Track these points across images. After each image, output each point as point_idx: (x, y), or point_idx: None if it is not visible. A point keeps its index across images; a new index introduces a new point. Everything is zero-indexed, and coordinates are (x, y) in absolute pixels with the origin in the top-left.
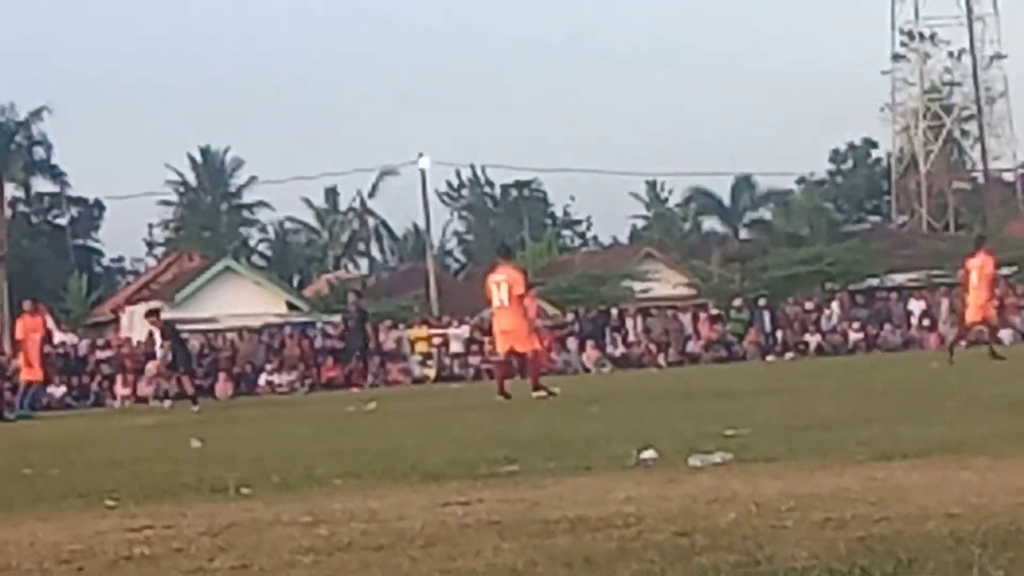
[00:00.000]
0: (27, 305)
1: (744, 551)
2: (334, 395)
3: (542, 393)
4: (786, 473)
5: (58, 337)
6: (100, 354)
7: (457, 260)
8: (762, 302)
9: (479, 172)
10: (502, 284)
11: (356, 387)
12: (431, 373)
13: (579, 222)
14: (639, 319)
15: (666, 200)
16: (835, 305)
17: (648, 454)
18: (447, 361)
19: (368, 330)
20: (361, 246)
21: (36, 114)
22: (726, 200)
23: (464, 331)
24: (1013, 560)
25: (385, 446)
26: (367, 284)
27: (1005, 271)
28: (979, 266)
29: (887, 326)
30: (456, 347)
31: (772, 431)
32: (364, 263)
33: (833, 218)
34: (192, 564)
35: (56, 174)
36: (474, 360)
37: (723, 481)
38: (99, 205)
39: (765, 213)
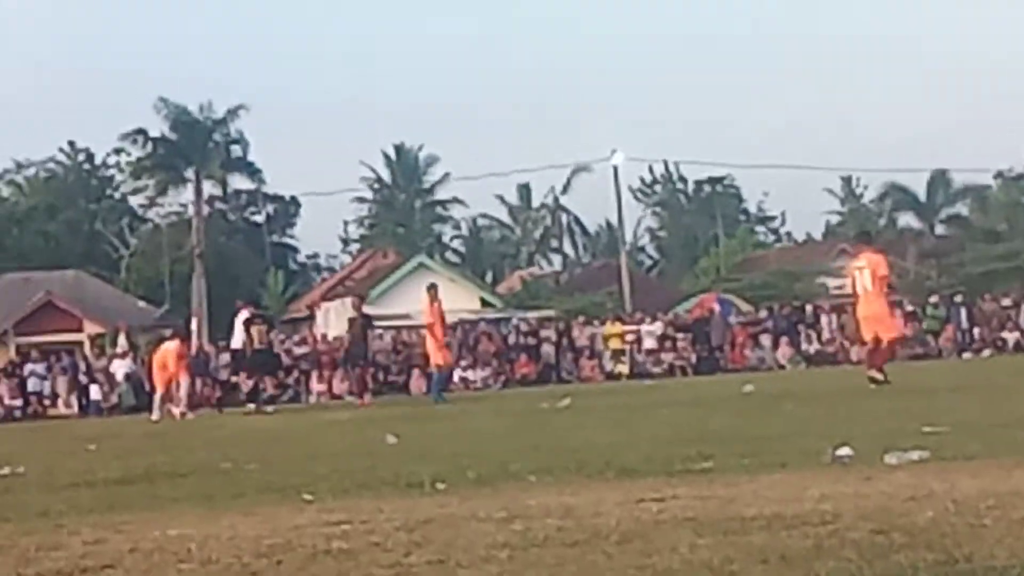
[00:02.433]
0: (431, 291)
1: (942, 549)
2: (528, 392)
3: (879, 377)
4: (985, 471)
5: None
6: (296, 350)
7: (650, 256)
8: (958, 298)
9: (672, 168)
10: (864, 270)
11: (360, 400)
12: (624, 369)
13: (773, 218)
14: (834, 316)
15: (861, 196)
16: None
17: (844, 451)
18: (640, 358)
19: (369, 338)
20: (554, 242)
21: (234, 112)
22: (922, 196)
23: (657, 327)
24: None
25: (579, 442)
26: (560, 280)
27: None
28: None
29: None
30: (649, 343)
31: (970, 429)
32: (557, 259)
33: None
34: (389, 559)
35: (253, 171)
36: (667, 356)
37: (920, 479)
38: (295, 202)
39: (962, 209)
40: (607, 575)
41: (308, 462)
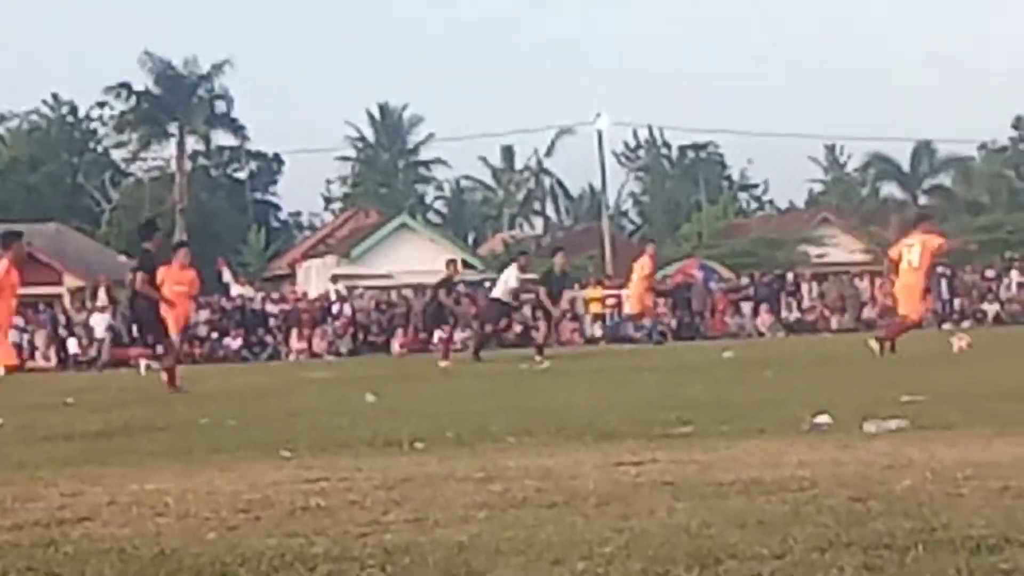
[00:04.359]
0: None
1: (920, 518)
2: (507, 353)
3: (880, 348)
4: (963, 441)
5: (236, 290)
6: (276, 308)
7: (632, 222)
8: (940, 269)
9: (656, 133)
10: (914, 247)
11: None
12: (602, 333)
13: (756, 185)
14: (814, 284)
15: (844, 165)
16: (1014, 274)
17: (822, 419)
18: (618, 323)
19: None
20: (536, 205)
21: (218, 68)
22: (905, 166)
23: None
24: None
25: (558, 405)
26: (542, 244)
27: None
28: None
29: None
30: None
31: (949, 399)
32: (539, 222)
33: (1014, 186)
34: (367, 517)
35: (236, 128)
36: (647, 322)
37: (898, 447)
38: (278, 159)
39: (945, 179)
40: (585, 537)
41: (287, 419)
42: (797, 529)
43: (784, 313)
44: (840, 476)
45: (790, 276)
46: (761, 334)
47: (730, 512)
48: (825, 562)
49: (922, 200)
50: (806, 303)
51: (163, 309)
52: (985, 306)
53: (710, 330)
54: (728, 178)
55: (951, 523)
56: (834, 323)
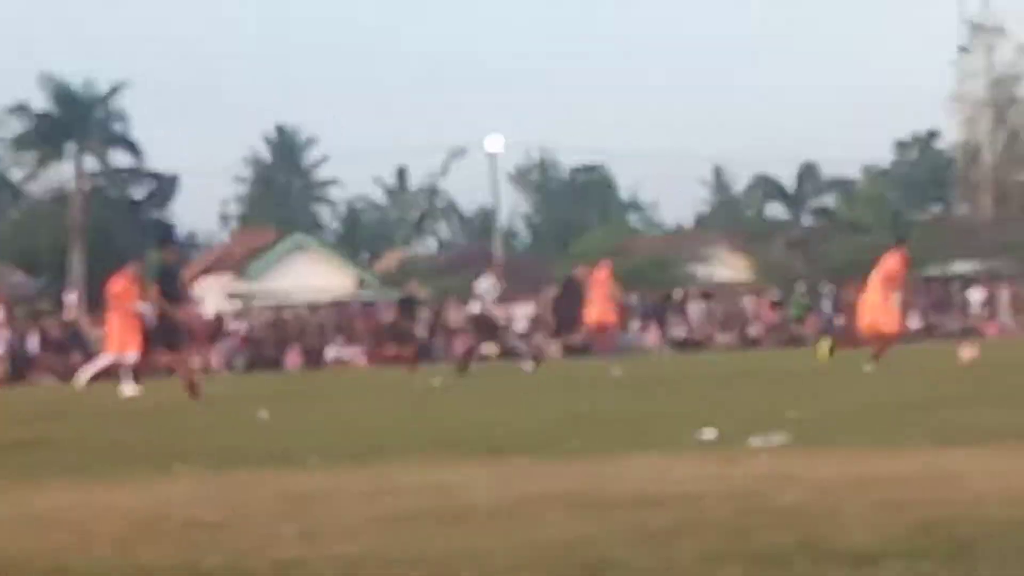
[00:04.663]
0: None
1: (802, 531)
2: (400, 371)
3: (870, 364)
4: (846, 455)
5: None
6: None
7: (523, 242)
8: (824, 288)
9: (548, 155)
10: (880, 268)
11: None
12: (495, 351)
13: (645, 206)
14: (701, 303)
15: (731, 187)
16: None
17: (708, 434)
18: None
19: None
20: (431, 225)
21: (116, 89)
22: (790, 187)
23: (529, 310)
24: None
25: (451, 421)
26: (435, 262)
27: None
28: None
29: (947, 314)
30: (521, 325)
31: (832, 415)
32: (433, 242)
33: (896, 207)
34: (260, 531)
35: (133, 148)
36: (538, 339)
37: (783, 462)
38: (175, 180)
39: (829, 201)
40: (476, 550)
41: (181, 435)
42: (682, 542)
43: (672, 331)
44: (725, 490)
45: (678, 294)
46: (650, 351)
47: (618, 525)
48: (709, 573)
49: (806, 220)
50: (694, 321)
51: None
52: None
53: (599, 348)
54: (618, 199)
55: (833, 536)
56: (720, 340)
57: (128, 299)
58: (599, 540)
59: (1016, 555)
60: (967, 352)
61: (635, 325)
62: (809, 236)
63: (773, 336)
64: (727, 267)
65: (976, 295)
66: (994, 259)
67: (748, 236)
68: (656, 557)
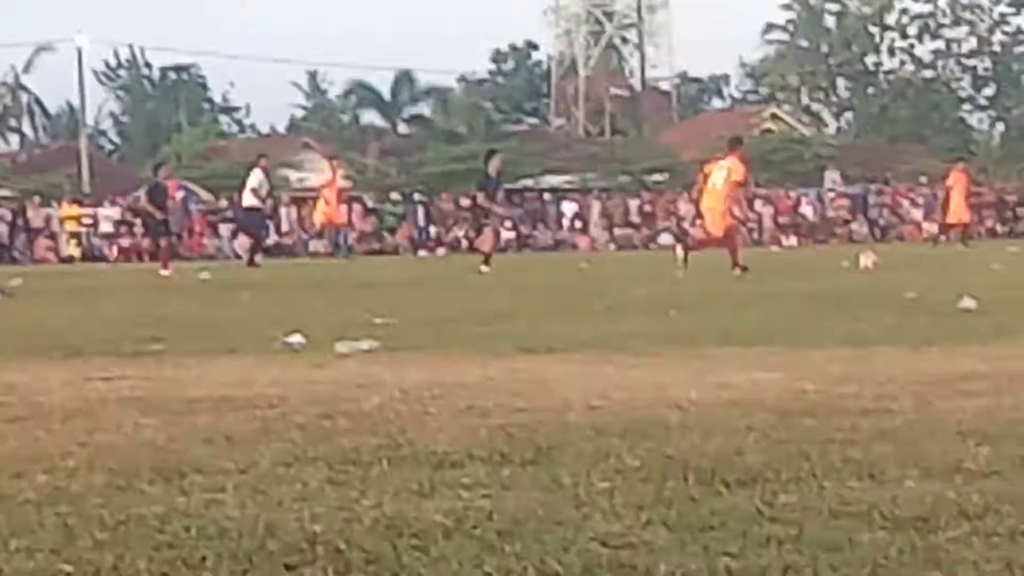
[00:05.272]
0: None
1: (387, 434)
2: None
3: (737, 272)
4: (433, 362)
5: None
6: None
7: (112, 141)
8: (417, 197)
9: (138, 53)
10: (724, 169)
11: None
12: (78, 252)
13: (237, 109)
14: (294, 209)
15: (326, 91)
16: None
17: (295, 339)
18: (96, 241)
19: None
20: (13, 122)
21: None
22: (386, 94)
23: (115, 212)
24: (650, 450)
25: (26, 323)
26: (17, 160)
27: (656, 177)
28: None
29: (540, 226)
30: (106, 227)
31: (421, 322)
32: (15, 139)
33: (492, 117)
34: None
35: None
36: (124, 242)
37: (369, 367)
38: None
39: (425, 109)
40: (48, 451)
41: None
42: (264, 445)
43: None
44: (310, 394)
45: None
46: (239, 256)
47: (198, 428)
48: (291, 475)
49: (402, 128)
50: (284, 227)
51: None
52: (460, 234)
53: (188, 251)
54: (210, 100)
55: (416, 440)
56: (311, 247)
57: None
58: (178, 442)
59: (595, 459)
60: (868, 259)
61: (227, 230)
62: (404, 144)
63: (366, 244)
64: (321, 173)
65: (569, 208)
66: (586, 173)
67: (343, 143)
68: (236, 459)
